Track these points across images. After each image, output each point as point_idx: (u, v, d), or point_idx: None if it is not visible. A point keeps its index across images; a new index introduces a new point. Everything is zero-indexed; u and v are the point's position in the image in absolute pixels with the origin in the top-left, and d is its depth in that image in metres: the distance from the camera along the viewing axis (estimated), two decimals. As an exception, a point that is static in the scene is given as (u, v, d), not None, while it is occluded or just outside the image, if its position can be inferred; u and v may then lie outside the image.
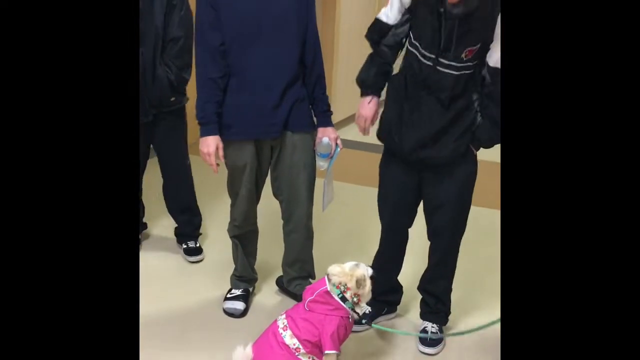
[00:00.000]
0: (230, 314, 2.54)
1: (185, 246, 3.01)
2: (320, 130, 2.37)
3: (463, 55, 1.97)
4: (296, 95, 2.26)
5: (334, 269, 2.01)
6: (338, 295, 1.97)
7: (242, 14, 2.13)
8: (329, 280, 2.01)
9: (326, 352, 1.94)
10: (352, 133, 3.26)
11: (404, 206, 2.32)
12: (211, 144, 2.22)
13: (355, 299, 1.99)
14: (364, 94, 2.25)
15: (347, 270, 2.01)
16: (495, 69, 2.00)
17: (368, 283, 2.03)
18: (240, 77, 2.21)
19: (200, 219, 3.08)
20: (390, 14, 2.11)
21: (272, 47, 2.17)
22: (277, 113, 2.23)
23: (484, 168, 2.24)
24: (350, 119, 6.01)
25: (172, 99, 2.69)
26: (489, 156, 2.45)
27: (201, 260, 2.96)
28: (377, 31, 2.16)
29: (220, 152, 2.25)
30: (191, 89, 2.47)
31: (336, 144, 2.37)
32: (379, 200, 2.36)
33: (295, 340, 1.94)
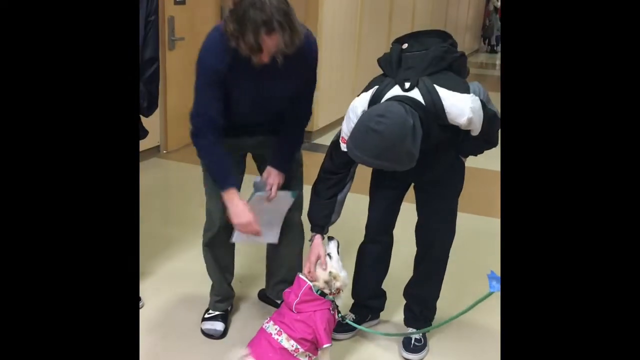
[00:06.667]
0: (209, 335, 2.41)
1: None
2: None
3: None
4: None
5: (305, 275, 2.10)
6: (317, 292, 2.05)
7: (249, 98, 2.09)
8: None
9: (324, 346, 2.00)
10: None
11: (391, 213, 2.34)
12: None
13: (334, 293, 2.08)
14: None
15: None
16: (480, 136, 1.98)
17: (339, 277, 2.08)
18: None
19: None
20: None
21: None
22: None
23: (468, 176, 2.25)
24: (333, 125, 6.00)
25: None
26: (475, 164, 2.46)
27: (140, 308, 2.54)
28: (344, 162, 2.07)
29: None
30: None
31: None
32: (369, 214, 2.36)
33: (292, 342, 1.98)
